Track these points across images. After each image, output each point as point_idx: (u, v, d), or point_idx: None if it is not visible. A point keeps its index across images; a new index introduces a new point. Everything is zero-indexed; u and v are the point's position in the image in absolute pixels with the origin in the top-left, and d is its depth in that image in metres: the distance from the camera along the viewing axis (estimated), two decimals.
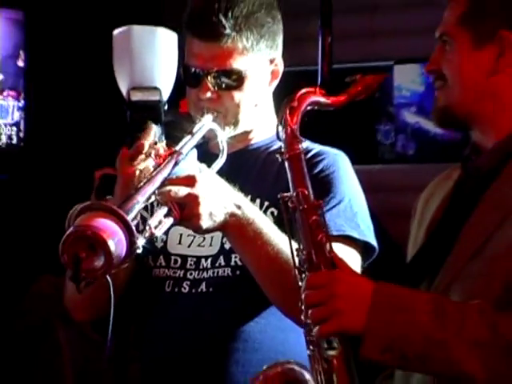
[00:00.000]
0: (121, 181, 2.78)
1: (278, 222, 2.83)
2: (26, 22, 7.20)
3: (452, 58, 2.66)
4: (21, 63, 7.20)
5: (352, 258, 2.91)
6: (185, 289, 3.00)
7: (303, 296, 2.45)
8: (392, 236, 2.94)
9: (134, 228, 2.42)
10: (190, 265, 3.01)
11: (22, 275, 5.50)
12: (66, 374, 5.55)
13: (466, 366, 2.39)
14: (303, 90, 2.60)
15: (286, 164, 2.56)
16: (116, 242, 2.39)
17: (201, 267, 3.00)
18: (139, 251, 2.46)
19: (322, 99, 2.63)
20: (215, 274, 2.98)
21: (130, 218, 2.44)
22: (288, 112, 2.57)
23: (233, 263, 2.95)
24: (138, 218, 2.57)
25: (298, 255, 2.52)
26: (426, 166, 6.68)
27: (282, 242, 2.77)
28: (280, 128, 2.57)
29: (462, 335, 2.40)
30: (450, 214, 2.69)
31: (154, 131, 2.81)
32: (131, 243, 2.42)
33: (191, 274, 3.01)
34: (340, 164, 3.02)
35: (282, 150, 2.56)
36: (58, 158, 6.98)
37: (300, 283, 2.49)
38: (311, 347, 2.49)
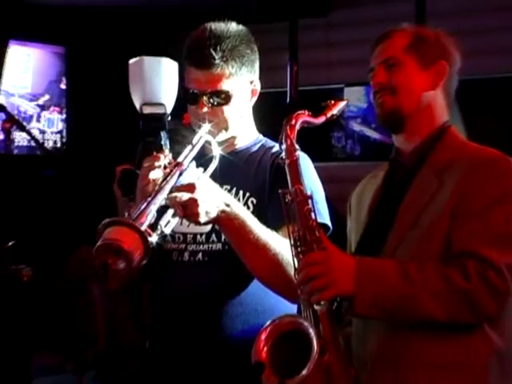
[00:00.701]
0: (139, 189, 2.74)
1: (257, 208, 2.87)
2: (67, 55, 7.16)
3: (401, 75, 2.69)
4: (63, 86, 7.16)
5: None
6: (186, 258, 2.97)
7: (303, 270, 2.47)
8: (343, 217, 2.91)
9: (147, 235, 2.45)
10: (189, 240, 2.98)
11: (67, 246, 5.44)
12: (98, 319, 5.54)
13: (430, 311, 2.43)
14: (298, 112, 2.69)
15: (286, 167, 2.63)
16: (134, 248, 2.43)
17: (197, 241, 2.97)
18: (152, 248, 2.49)
19: (310, 119, 2.71)
20: (209, 248, 2.95)
21: (144, 227, 2.46)
22: (288, 128, 2.64)
23: (223, 240, 2.91)
24: (154, 219, 2.56)
25: (293, 236, 2.55)
26: (367, 163, 6.72)
27: (260, 231, 2.77)
28: (283, 140, 2.64)
29: (424, 288, 2.43)
30: (385, 199, 2.71)
31: (164, 154, 2.79)
32: (146, 246, 2.45)
33: (190, 247, 2.97)
34: (304, 162, 2.99)
35: (283, 156, 2.64)
36: (90, 157, 7.00)
37: (295, 259, 2.55)
38: (302, 306, 2.55)
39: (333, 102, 2.77)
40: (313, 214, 2.56)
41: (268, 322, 2.58)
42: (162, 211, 2.65)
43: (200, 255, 2.97)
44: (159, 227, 2.57)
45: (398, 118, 2.70)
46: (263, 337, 2.55)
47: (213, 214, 2.71)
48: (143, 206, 2.56)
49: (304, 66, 6.96)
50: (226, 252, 2.90)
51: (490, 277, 2.42)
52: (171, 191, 2.65)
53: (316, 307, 2.49)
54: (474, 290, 2.41)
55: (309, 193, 2.59)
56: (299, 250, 2.55)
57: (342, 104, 2.77)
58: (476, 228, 2.48)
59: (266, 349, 2.54)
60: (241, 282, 2.92)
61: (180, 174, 2.70)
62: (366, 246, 2.70)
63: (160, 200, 2.61)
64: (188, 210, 2.67)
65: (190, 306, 2.95)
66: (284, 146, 2.64)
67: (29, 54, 7.01)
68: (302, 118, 2.68)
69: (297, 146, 2.64)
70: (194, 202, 2.66)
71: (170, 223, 2.64)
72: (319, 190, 2.99)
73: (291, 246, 2.56)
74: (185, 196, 2.66)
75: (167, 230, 2.62)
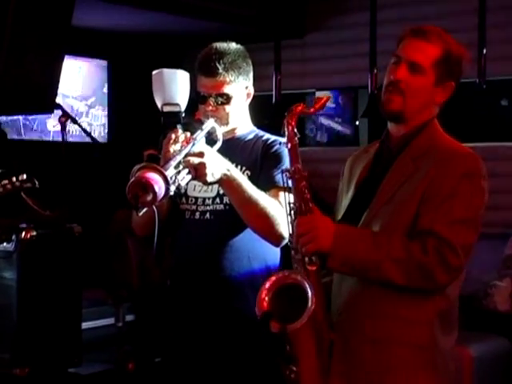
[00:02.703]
0: (162, 156, 2.78)
1: (251, 178, 2.86)
2: (108, 67, 7.13)
3: (418, 84, 2.47)
4: (105, 90, 7.11)
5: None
6: (196, 216, 2.97)
7: (296, 229, 2.42)
8: (315, 192, 2.89)
9: (169, 178, 2.48)
10: (199, 202, 2.98)
11: (108, 209, 5.43)
12: (132, 264, 5.51)
13: (390, 274, 2.34)
14: (296, 104, 2.54)
15: (288, 150, 2.51)
16: (159, 186, 2.44)
17: (205, 203, 2.96)
18: (172, 193, 2.52)
19: (305, 110, 2.54)
20: (215, 208, 2.95)
21: (167, 173, 2.49)
22: (290, 117, 2.51)
23: (225, 202, 2.91)
24: (173, 173, 2.58)
25: (290, 206, 2.47)
26: (331, 148, 6.71)
27: (254, 192, 2.77)
28: (285, 127, 2.52)
29: (388, 255, 2.33)
30: (370, 176, 2.58)
31: (179, 129, 2.83)
32: (167, 188, 2.46)
33: (200, 207, 2.97)
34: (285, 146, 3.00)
35: (285, 141, 2.52)
36: (126, 143, 6.98)
37: (290, 226, 2.47)
38: (297, 263, 2.45)
39: (319, 97, 2.62)
40: (307, 190, 2.46)
41: (273, 276, 2.49)
42: (179, 171, 2.63)
43: (208, 214, 2.96)
44: (177, 180, 2.59)
45: (398, 117, 2.52)
46: (267, 286, 2.46)
47: (217, 176, 2.72)
48: (166, 161, 2.61)
49: (285, 75, 6.94)
50: (227, 212, 2.89)
51: (445, 253, 2.32)
52: (186, 156, 2.66)
53: (308, 266, 2.41)
54: (429, 263, 2.32)
55: (305, 173, 2.49)
56: (294, 217, 2.46)
57: (326, 99, 2.57)
58: (439, 211, 2.37)
59: (267, 298, 2.44)
60: (236, 234, 2.92)
61: (193, 145, 2.71)
62: (349, 215, 2.57)
63: (178, 160, 2.61)
64: (198, 171, 2.67)
65: (200, 253, 2.95)
66: (286, 133, 2.51)
67: (80, 67, 6.97)
68: (300, 109, 2.53)
69: (296, 132, 2.51)
70: (203, 165, 2.67)
71: (185, 179, 2.65)
72: None
73: (287, 214, 2.48)
74: (196, 160, 2.67)
75: (183, 183, 2.63)
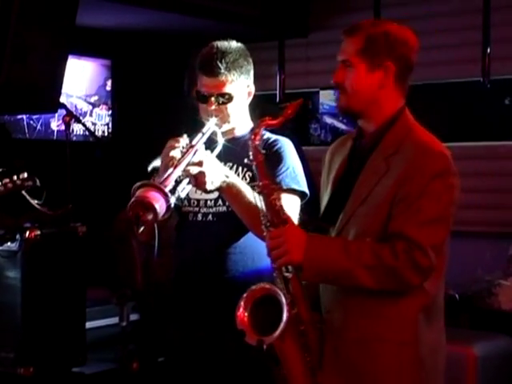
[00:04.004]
0: (162, 163, 2.77)
1: (252, 180, 2.83)
2: (112, 66, 7.13)
3: (352, 77, 2.50)
4: (108, 88, 7.11)
5: (295, 200, 2.91)
6: (199, 218, 2.98)
7: (267, 243, 2.46)
8: (319, 187, 2.91)
9: (169, 196, 2.49)
10: (202, 204, 2.98)
11: (113, 209, 5.44)
12: (136, 264, 5.52)
13: (362, 281, 2.36)
14: (260, 120, 2.61)
15: (254, 167, 2.56)
16: (159, 204, 2.47)
17: (208, 205, 2.96)
18: (172, 206, 2.54)
19: (271, 122, 2.59)
20: (217, 210, 2.95)
21: (167, 189, 2.51)
22: (253, 136, 2.56)
23: (227, 204, 2.91)
24: (173, 185, 2.60)
25: (263, 218, 2.50)
26: None
27: (251, 196, 2.74)
28: (250, 144, 2.57)
29: (359, 263, 2.34)
30: (346, 175, 2.59)
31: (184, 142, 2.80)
32: (168, 205, 2.49)
33: (202, 209, 2.97)
34: (287, 146, 2.99)
35: (251, 157, 2.56)
36: (129, 142, 6.98)
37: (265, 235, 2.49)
38: (275, 272, 2.48)
39: (288, 104, 2.60)
40: (278, 202, 2.49)
41: (244, 293, 2.52)
42: (179, 181, 2.66)
43: (210, 216, 2.96)
44: (177, 192, 2.61)
45: (351, 113, 2.56)
46: (242, 304, 2.49)
47: (216, 184, 2.73)
48: (166, 175, 2.59)
49: (289, 74, 6.93)
50: (230, 213, 2.88)
51: (415, 256, 2.34)
52: (187, 165, 2.66)
53: (285, 274, 2.44)
54: (401, 267, 2.34)
55: (274, 186, 2.56)
56: (269, 229, 2.49)
57: (296, 104, 2.59)
58: (408, 213, 2.37)
59: (246, 314, 2.48)
60: (240, 236, 2.91)
61: (194, 154, 2.71)
62: (327, 216, 2.60)
63: (178, 172, 2.63)
64: (198, 180, 2.69)
65: (203, 254, 2.95)
66: (250, 150, 2.56)
67: (84, 66, 6.96)
68: (264, 125, 2.59)
69: (260, 149, 2.56)
70: (202, 174, 2.68)
71: (185, 189, 2.68)
72: (297, 164, 2.97)
73: (263, 226, 2.51)
74: (196, 169, 2.68)
75: (182, 195, 2.67)
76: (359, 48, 2.48)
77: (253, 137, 2.57)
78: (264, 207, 2.51)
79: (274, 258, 2.42)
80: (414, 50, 2.54)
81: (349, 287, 2.43)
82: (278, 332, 2.40)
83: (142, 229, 2.51)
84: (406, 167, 2.41)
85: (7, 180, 2.91)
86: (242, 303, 2.50)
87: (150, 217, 2.48)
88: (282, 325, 2.39)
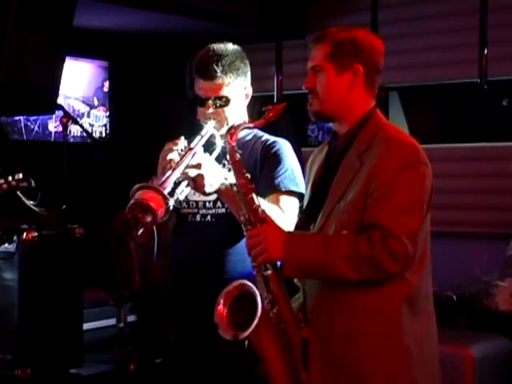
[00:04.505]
0: (160, 165, 2.77)
1: (250, 181, 2.79)
2: (109, 67, 7.14)
3: (322, 81, 2.57)
4: (106, 90, 7.12)
5: (293, 202, 2.92)
6: (198, 219, 2.98)
7: (246, 242, 2.51)
8: None
9: (168, 198, 2.50)
10: (200, 205, 2.98)
11: (110, 210, 5.44)
12: (133, 265, 5.51)
13: (342, 273, 2.42)
14: (238, 123, 2.71)
15: (232, 167, 2.62)
16: (158, 207, 2.48)
17: (206, 206, 2.97)
18: (171, 208, 2.55)
19: (250, 125, 2.70)
20: (216, 211, 2.95)
21: (166, 192, 2.52)
22: (229, 137, 2.61)
23: (226, 205, 2.90)
24: (172, 188, 2.60)
25: (242, 218, 2.55)
26: None
27: None
28: (226, 146, 2.63)
29: (338, 254, 2.39)
30: (323, 177, 2.65)
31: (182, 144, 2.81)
32: (167, 207, 2.50)
33: (201, 210, 2.97)
34: (285, 148, 3.00)
35: (228, 158, 2.62)
36: (126, 143, 6.99)
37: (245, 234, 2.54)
38: (255, 271, 2.52)
39: (270, 107, 2.65)
40: (256, 200, 2.54)
41: (224, 290, 2.56)
42: (177, 184, 2.66)
43: (209, 217, 2.96)
44: (176, 194, 2.62)
45: (324, 116, 2.63)
46: (221, 300, 2.53)
47: (214, 186, 2.73)
48: (164, 178, 2.60)
49: (286, 75, 6.94)
50: (228, 215, 2.87)
51: (390, 243, 2.38)
52: (185, 168, 2.67)
53: (264, 273, 2.49)
54: (376, 255, 2.39)
55: (252, 185, 2.58)
56: (248, 228, 2.53)
57: (279, 108, 2.66)
58: (381, 203, 2.43)
59: (225, 309, 2.52)
60: (239, 237, 2.88)
61: (192, 156, 2.71)
62: (308, 214, 2.66)
63: (176, 174, 2.63)
64: (197, 183, 2.70)
65: (201, 255, 2.95)
66: (227, 150, 2.62)
67: (81, 67, 6.97)
68: (241, 127, 2.67)
69: (237, 150, 2.60)
70: (200, 177, 2.69)
71: (184, 192, 2.69)
72: (295, 166, 2.98)
73: (242, 225, 2.55)
74: (194, 172, 2.68)
75: (181, 197, 2.68)
76: (327, 52, 2.56)
77: (229, 137, 2.62)
78: (242, 205, 2.56)
79: (254, 257, 2.47)
80: (380, 54, 2.61)
81: (330, 280, 2.47)
82: (251, 327, 2.43)
83: (141, 231, 2.52)
84: (376, 161, 2.48)
85: (2, 181, 2.91)
86: (222, 299, 2.54)
87: (149, 219, 2.49)
88: (255, 321, 2.43)
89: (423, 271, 2.54)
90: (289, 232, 2.53)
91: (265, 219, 2.53)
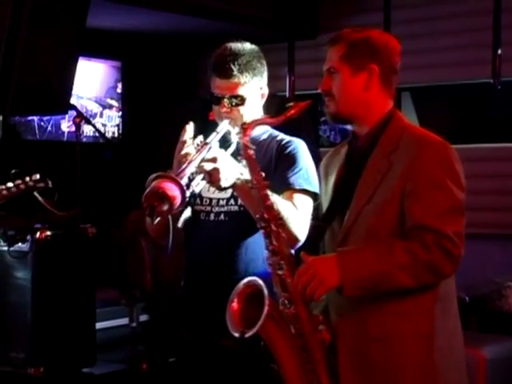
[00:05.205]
0: (176, 159, 2.76)
1: (265, 179, 2.80)
2: (122, 67, 7.16)
3: (338, 82, 2.55)
4: (119, 90, 7.14)
5: (307, 201, 2.89)
6: (211, 218, 2.95)
7: (298, 283, 2.43)
8: None
9: (185, 187, 2.48)
10: (214, 203, 2.95)
11: (122, 209, 5.47)
12: (145, 265, 5.53)
13: (401, 282, 2.38)
14: (256, 118, 2.70)
15: (246, 162, 2.61)
16: (175, 196, 2.46)
17: (220, 204, 2.94)
18: (187, 199, 2.53)
19: (268, 121, 2.68)
20: (229, 209, 2.93)
21: (182, 182, 2.50)
22: (243, 132, 2.60)
23: (239, 203, 2.88)
24: (188, 180, 2.59)
25: (257, 216, 2.55)
26: None
27: None
28: (239, 139, 2.63)
29: (394, 265, 2.36)
30: (345, 178, 2.61)
31: (191, 130, 2.81)
32: (183, 197, 2.47)
33: (214, 209, 2.94)
34: (300, 147, 2.99)
35: (241, 153, 2.61)
36: (138, 143, 7.00)
37: (263, 236, 2.55)
38: (270, 270, 2.52)
39: (294, 104, 2.63)
40: (270, 197, 2.54)
41: (236, 288, 2.55)
42: (192, 178, 2.65)
43: (222, 216, 2.94)
44: (191, 187, 2.61)
45: (341, 118, 2.60)
46: (234, 299, 2.53)
47: (230, 181, 2.71)
48: (181, 169, 2.59)
49: (298, 75, 6.95)
50: (242, 213, 2.86)
51: (445, 245, 2.36)
52: (201, 161, 2.66)
53: (279, 272, 2.47)
54: (435, 259, 2.37)
55: (266, 182, 2.57)
56: (262, 225, 2.52)
57: (302, 105, 2.63)
58: (425, 205, 2.40)
59: (237, 308, 2.52)
60: (252, 236, 2.89)
61: (208, 150, 2.70)
62: (329, 214, 2.63)
63: (192, 167, 2.62)
64: (212, 177, 2.68)
65: (214, 254, 2.93)
66: (241, 147, 2.60)
67: (94, 67, 7.00)
68: (258, 122, 2.66)
69: (251, 146, 2.59)
70: (216, 171, 2.67)
71: (199, 185, 2.67)
72: (310, 166, 2.96)
73: (257, 222, 2.55)
74: (210, 166, 2.67)
75: (197, 189, 2.66)
76: (342, 54, 2.54)
77: (243, 132, 2.60)
78: (259, 202, 2.55)
79: (310, 293, 2.41)
80: (396, 53, 2.59)
81: (387, 291, 2.43)
82: (257, 326, 2.42)
83: (156, 220, 2.50)
84: (409, 161, 2.45)
85: (19, 181, 2.92)
86: (234, 297, 2.53)
87: (166, 208, 2.47)
88: (261, 319, 2.41)
89: None
90: (339, 253, 2.45)
91: (277, 218, 2.51)
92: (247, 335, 2.44)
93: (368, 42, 2.55)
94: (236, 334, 2.46)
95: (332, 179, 2.67)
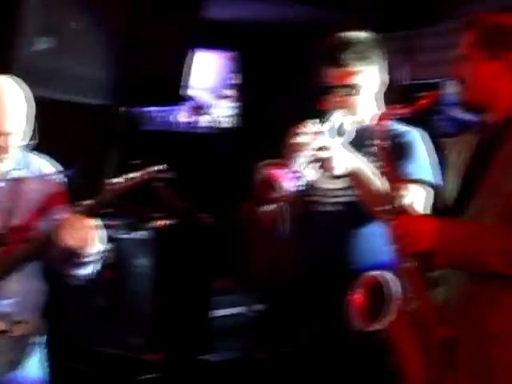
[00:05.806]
0: (287, 148, 2.77)
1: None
2: (238, 58, 7.23)
3: (470, 69, 2.49)
4: (233, 81, 7.21)
5: (422, 191, 2.90)
6: (327, 208, 2.98)
7: (394, 230, 2.44)
8: None
9: (295, 175, 2.53)
10: (329, 193, 2.98)
11: (238, 199, 5.54)
12: (260, 255, 5.57)
13: (495, 266, 2.34)
14: (390, 108, 2.64)
15: (379, 151, 2.57)
16: (285, 183, 2.50)
17: (335, 194, 2.97)
18: (299, 188, 2.58)
19: (401, 111, 2.59)
20: (345, 199, 2.95)
21: (293, 169, 2.55)
22: (379, 120, 2.58)
23: (355, 192, 2.88)
24: (300, 169, 2.61)
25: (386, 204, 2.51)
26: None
27: (379, 184, 2.72)
28: (376, 130, 2.59)
29: (493, 248, 2.33)
30: (474, 168, 2.55)
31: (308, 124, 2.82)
32: (294, 185, 2.53)
33: (330, 199, 2.98)
34: (417, 137, 2.98)
35: (376, 142, 2.57)
36: (253, 134, 7.05)
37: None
38: (397, 263, 2.48)
39: (426, 94, 2.57)
40: (399, 190, 2.53)
41: (360, 279, 2.56)
42: (305, 166, 2.67)
43: (339, 206, 2.97)
44: (303, 175, 2.64)
45: (474, 106, 2.55)
46: (357, 290, 2.54)
47: (344, 169, 2.74)
48: (292, 157, 2.64)
49: (415, 64, 6.85)
50: (358, 203, 2.87)
51: None
52: (314, 150, 2.69)
53: (405, 265, 2.43)
54: None
55: (399, 174, 2.60)
56: (388, 217, 2.51)
57: (435, 96, 2.56)
58: None
59: (361, 299, 2.52)
60: (369, 227, 2.90)
61: (320, 139, 2.73)
62: (456, 205, 2.55)
63: (304, 155, 2.66)
64: (325, 165, 2.71)
65: (330, 244, 2.96)
66: (376, 135, 2.58)
67: (209, 58, 7.08)
68: (393, 112, 2.61)
69: (386, 136, 2.57)
70: (330, 159, 2.70)
71: (312, 174, 2.71)
72: (428, 156, 2.95)
73: (384, 213, 2.54)
74: (323, 154, 2.70)
75: (309, 178, 2.69)
76: (475, 40, 2.48)
77: (379, 121, 2.58)
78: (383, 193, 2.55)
79: (404, 246, 2.42)
80: None
81: (476, 272, 2.39)
82: (385, 320, 2.43)
83: (268, 208, 2.54)
84: None
85: (143, 171, 3.00)
86: (358, 288, 2.54)
87: (276, 195, 2.52)
88: (389, 314, 2.42)
89: None
90: (442, 220, 2.44)
91: (406, 210, 2.48)
92: (372, 329, 2.45)
93: (502, 28, 2.46)
94: (359, 327, 2.47)
95: (455, 168, 2.62)
